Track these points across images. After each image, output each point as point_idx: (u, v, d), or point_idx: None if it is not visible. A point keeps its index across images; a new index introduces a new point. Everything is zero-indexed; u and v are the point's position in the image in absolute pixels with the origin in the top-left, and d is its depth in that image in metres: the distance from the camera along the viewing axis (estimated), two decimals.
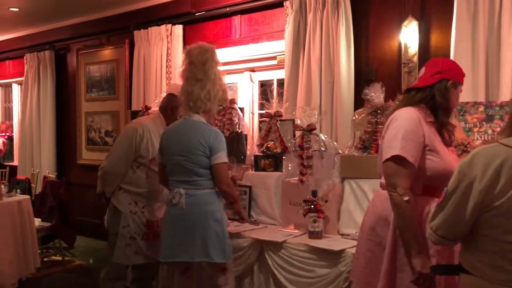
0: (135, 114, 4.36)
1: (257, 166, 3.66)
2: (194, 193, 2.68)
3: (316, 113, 3.12)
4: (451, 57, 3.27)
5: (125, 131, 3.21)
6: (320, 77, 3.81)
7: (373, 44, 3.78)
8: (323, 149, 3.02)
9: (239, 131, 3.83)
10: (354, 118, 3.13)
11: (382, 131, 2.93)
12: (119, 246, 3.02)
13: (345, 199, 2.95)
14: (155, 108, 3.90)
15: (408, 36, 3.53)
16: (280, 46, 4.11)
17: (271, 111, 3.60)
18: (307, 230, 2.92)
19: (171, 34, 4.95)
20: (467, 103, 2.82)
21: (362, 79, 3.76)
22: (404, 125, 1.94)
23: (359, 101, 3.67)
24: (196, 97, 2.67)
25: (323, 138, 3.10)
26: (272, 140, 3.51)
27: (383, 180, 2.03)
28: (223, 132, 3.67)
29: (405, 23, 3.53)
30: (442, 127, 2.03)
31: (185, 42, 4.93)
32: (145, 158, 3.05)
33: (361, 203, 2.87)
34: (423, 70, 2.13)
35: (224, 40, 4.70)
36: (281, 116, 3.44)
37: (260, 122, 3.97)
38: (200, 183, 2.68)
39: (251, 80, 4.63)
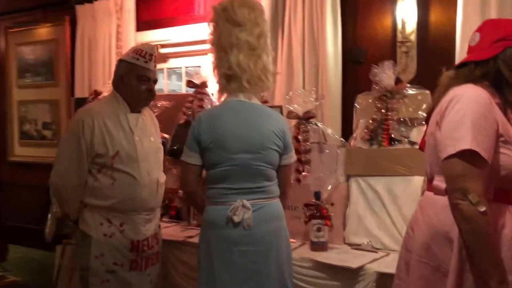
0: (81, 102, 3.63)
1: None
2: (262, 204, 1.97)
3: (313, 98, 2.58)
4: (458, 35, 2.93)
5: (69, 127, 2.39)
6: (303, 59, 3.39)
7: (362, 21, 3.38)
8: (323, 141, 2.51)
9: None
10: (356, 104, 2.63)
11: (392, 119, 2.54)
12: (93, 284, 2.24)
13: (352, 202, 2.46)
14: (107, 93, 3.19)
15: (405, 11, 3.13)
16: None
17: None
18: (306, 239, 2.42)
19: (121, 9, 4.30)
20: None
21: (350, 61, 3.35)
22: (472, 108, 1.45)
23: (347, 86, 3.32)
24: (253, 73, 1.99)
25: (322, 128, 2.59)
26: None
27: (438, 183, 1.54)
28: (189, 122, 3.09)
29: None
30: (511, 110, 1.56)
31: (138, 19, 4.31)
32: (104, 156, 2.24)
33: (372, 206, 2.39)
34: (477, 37, 1.62)
35: (186, 17, 4.12)
36: (266, 102, 2.89)
37: None
38: (270, 189, 2.00)
39: None
